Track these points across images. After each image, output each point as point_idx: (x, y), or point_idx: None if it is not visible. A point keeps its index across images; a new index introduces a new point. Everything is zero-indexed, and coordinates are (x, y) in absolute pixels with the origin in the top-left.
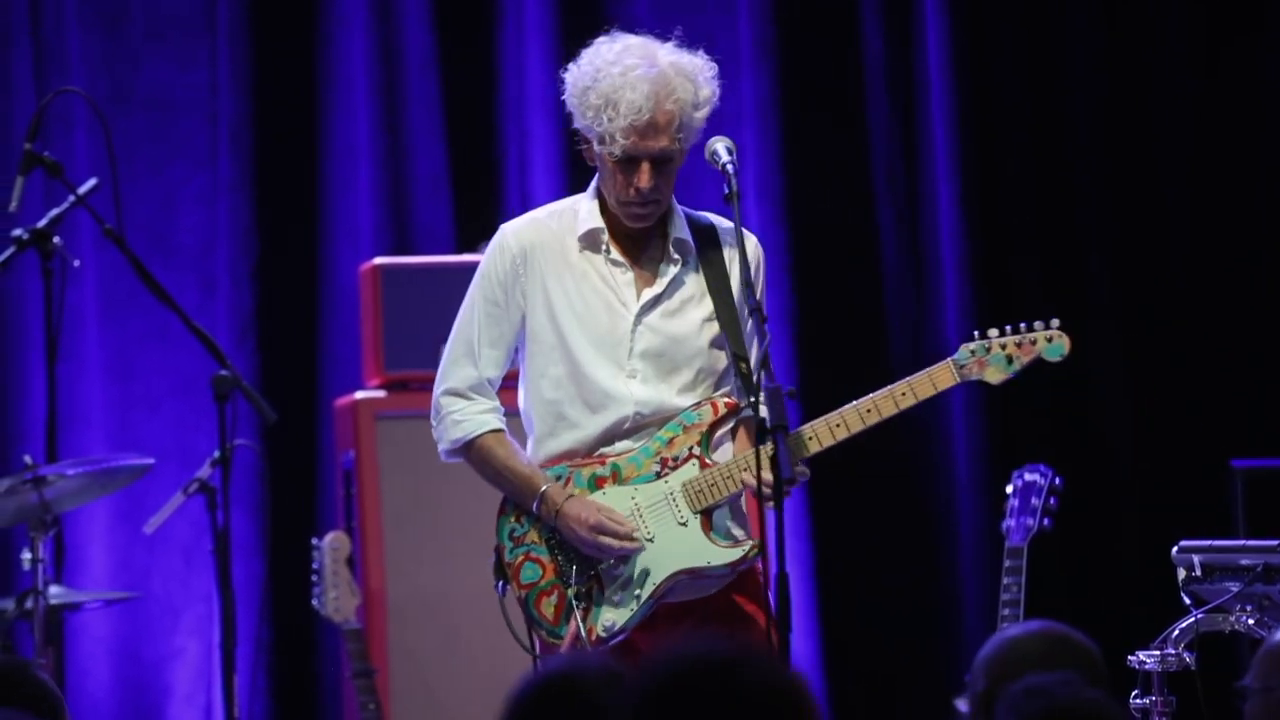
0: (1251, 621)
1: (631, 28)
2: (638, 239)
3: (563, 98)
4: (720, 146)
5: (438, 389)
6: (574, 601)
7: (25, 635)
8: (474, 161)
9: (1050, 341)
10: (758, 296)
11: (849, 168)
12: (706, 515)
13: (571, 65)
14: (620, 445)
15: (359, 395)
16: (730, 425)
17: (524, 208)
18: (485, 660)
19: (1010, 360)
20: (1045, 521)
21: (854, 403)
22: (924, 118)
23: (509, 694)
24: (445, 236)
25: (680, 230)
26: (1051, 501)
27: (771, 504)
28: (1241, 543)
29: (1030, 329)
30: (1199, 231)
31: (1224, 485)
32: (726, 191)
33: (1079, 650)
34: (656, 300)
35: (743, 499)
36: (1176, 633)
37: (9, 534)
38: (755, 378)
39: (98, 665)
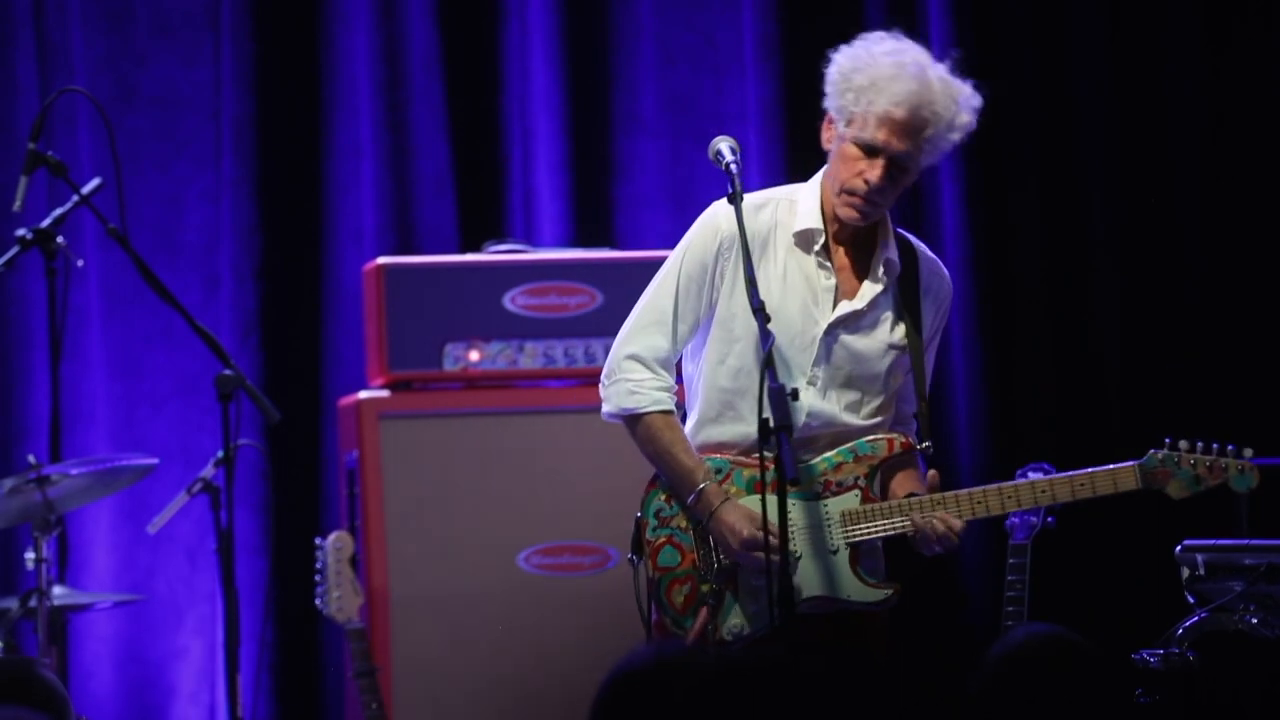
0: (1255, 621)
1: (635, 26)
2: (850, 246)
3: (827, 77)
4: (724, 146)
5: (621, 349)
6: (706, 597)
7: (29, 635)
8: (478, 160)
9: (1241, 472)
10: (937, 337)
11: None
12: (855, 549)
13: (844, 46)
14: None
15: (362, 395)
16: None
17: (528, 207)
18: (488, 660)
19: (1198, 480)
20: (1049, 520)
21: (1029, 481)
22: None
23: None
24: (449, 236)
25: (890, 250)
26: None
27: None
28: (1245, 542)
29: (1223, 453)
30: (1207, 230)
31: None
32: (730, 191)
33: (1084, 654)
34: (853, 316)
35: (882, 544)
36: (1181, 632)
37: (13, 534)
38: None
39: (101, 665)
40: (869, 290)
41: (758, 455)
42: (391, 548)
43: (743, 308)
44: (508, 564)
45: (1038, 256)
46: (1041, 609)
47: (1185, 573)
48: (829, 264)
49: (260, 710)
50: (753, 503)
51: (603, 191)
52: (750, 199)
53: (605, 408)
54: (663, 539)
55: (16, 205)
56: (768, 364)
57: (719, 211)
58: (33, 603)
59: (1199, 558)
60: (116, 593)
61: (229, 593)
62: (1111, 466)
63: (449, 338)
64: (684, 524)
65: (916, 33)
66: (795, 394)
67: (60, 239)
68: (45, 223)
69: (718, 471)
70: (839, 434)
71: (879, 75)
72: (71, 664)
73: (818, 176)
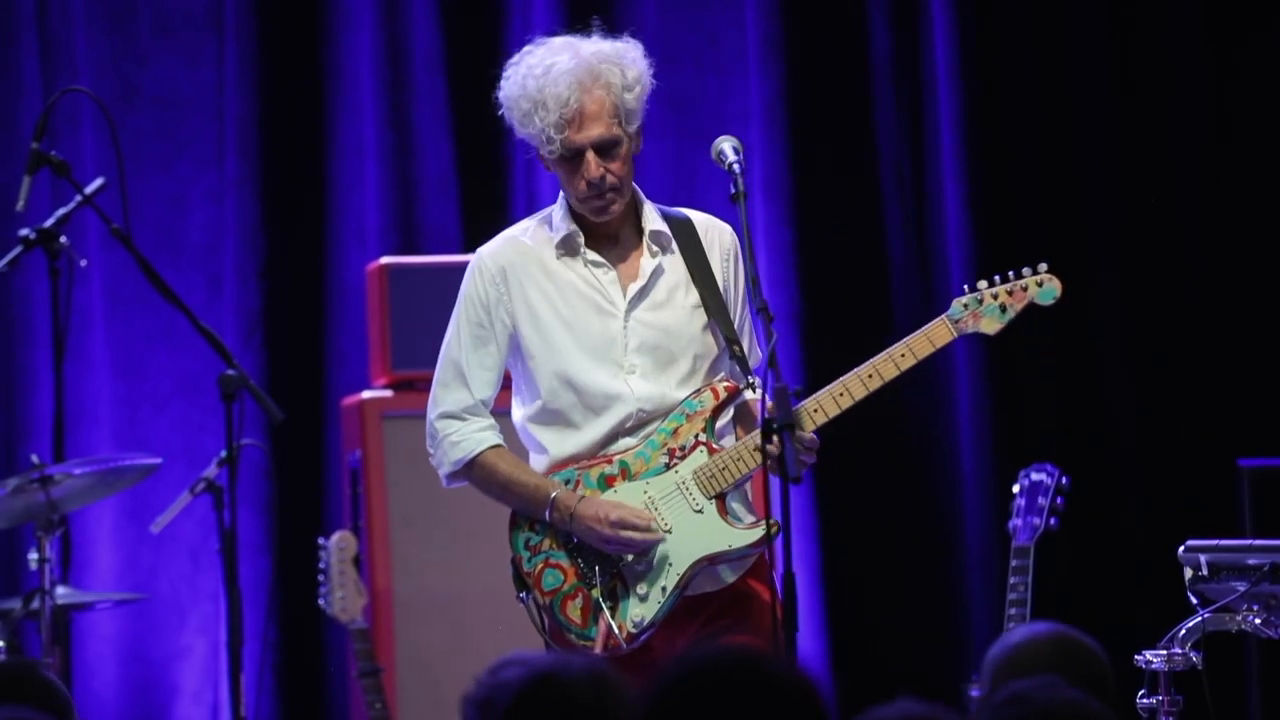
0: (1258, 621)
1: (638, 25)
2: (614, 238)
3: (500, 114)
4: (727, 146)
5: (431, 414)
6: (601, 601)
7: (32, 635)
8: (481, 160)
9: (1041, 286)
10: (740, 285)
11: (856, 166)
12: (721, 500)
13: (502, 81)
14: (624, 442)
15: (365, 395)
16: (731, 411)
17: (530, 207)
18: (492, 659)
19: (1004, 309)
20: (1052, 521)
21: (854, 370)
22: (931, 116)
23: (487, 691)
24: (452, 236)
25: (655, 223)
26: (1058, 501)
27: (788, 479)
28: (1248, 542)
29: (1019, 275)
30: (1209, 230)
31: (1231, 485)
32: (733, 191)
33: (1085, 653)
34: (642, 293)
35: (748, 486)
36: (1183, 632)
37: (16, 533)
38: (763, 375)
39: (105, 665)
40: (647, 265)
41: (601, 454)
42: (395, 548)
43: (535, 330)
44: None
45: (1038, 256)
46: (1044, 610)
47: (1188, 573)
48: (601, 259)
49: (263, 710)
50: (609, 496)
51: None
52: (509, 231)
53: (441, 473)
54: (540, 565)
55: (20, 205)
56: (771, 363)
57: (481, 254)
58: (36, 602)
59: (1202, 558)
60: (119, 592)
61: (232, 592)
62: (923, 328)
63: None
64: (553, 544)
65: (918, 32)
66: (799, 393)
67: (63, 239)
68: (48, 222)
69: (567, 482)
70: (672, 409)
71: (536, 90)
72: (75, 663)
73: (560, 197)
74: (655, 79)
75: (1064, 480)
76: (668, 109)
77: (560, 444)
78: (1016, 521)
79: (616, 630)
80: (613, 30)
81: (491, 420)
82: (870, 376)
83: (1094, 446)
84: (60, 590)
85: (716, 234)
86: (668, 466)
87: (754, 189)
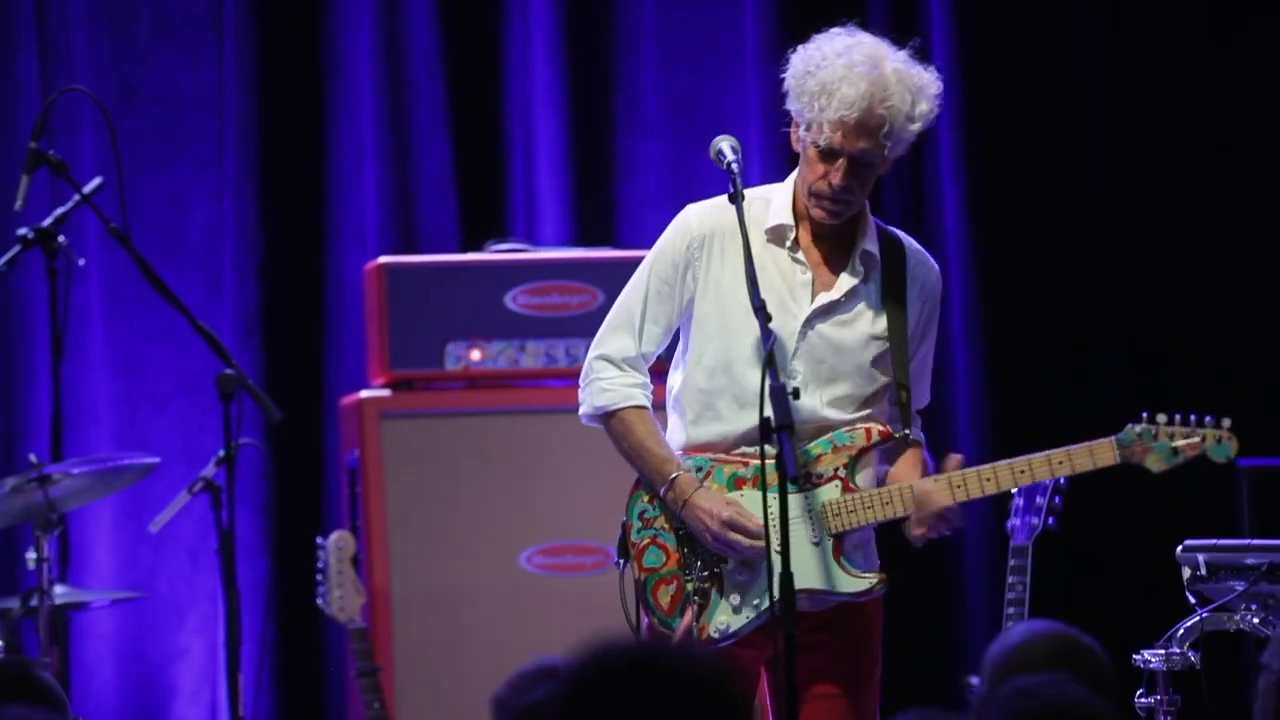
0: (1256, 620)
1: (637, 26)
2: (825, 241)
3: (783, 75)
4: (725, 146)
5: (592, 352)
6: (691, 596)
7: (30, 634)
8: (480, 160)
9: (1219, 442)
10: (931, 329)
11: None
12: (839, 540)
13: (800, 47)
14: (766, 449)
15: (364, 394)
16: (875, 455)
17: (529, 207)
18: (491, 658)
19: (1175, 453)
20: (1050, 520)
21: (1008, 461)
22: None
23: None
24: (451, 235)
25: (869, 243)
26: (1056, 500)
27: (790, 480)
28: (1247, 542)
29: (1201, 424)
30: (1208, 229)
31: (1229, 484)
32: (731, 191)
33: (1085, 652)
34: (830, 307)
35: (873, 533)
36: (1181, 632)
37: (14, 533)
38: (761, 375)
39: (103, 664)
40: (845, 282)
41: (739, 452)
42: (393, 547)
43: (716, 307)
44: (510, 564)
45: (1038, 256)
46: (1042, 610)
47: (1186, 573)
48: (803, 259)
49: (261, 710)
50: (734, 498)
51: (604, 191)
52: (719, 199)
53: (581, 409)
54: (647, 540)
55: (18, 204)
56: (769, 363)
57: (690, 213)
58: (34, 602)
59: (1200, 557)
60: (118, 592)
61: (230, 592)
62: (1089, 443)
63: (450, 337)
64: (667, 524)
65: (917, 33)
66: (796, 393)
67: (62, 238)
68: (47, 222)
69: (698, 470)
70: (823, 429)
71: (829, 79)
72: (73, 663)
73: (792, 175)
74: (655, 79)
75: (1062, 480)
76: (667, 109)
77: (700, 427)
78: (1014, 521)
79: (698, 630)
80: (613, 30)
81: (645, 378)
82: (1022, 473)
83: None
84: (58, 590)
85: (924, 271)
86: (800, 489)
87: (752, 189)
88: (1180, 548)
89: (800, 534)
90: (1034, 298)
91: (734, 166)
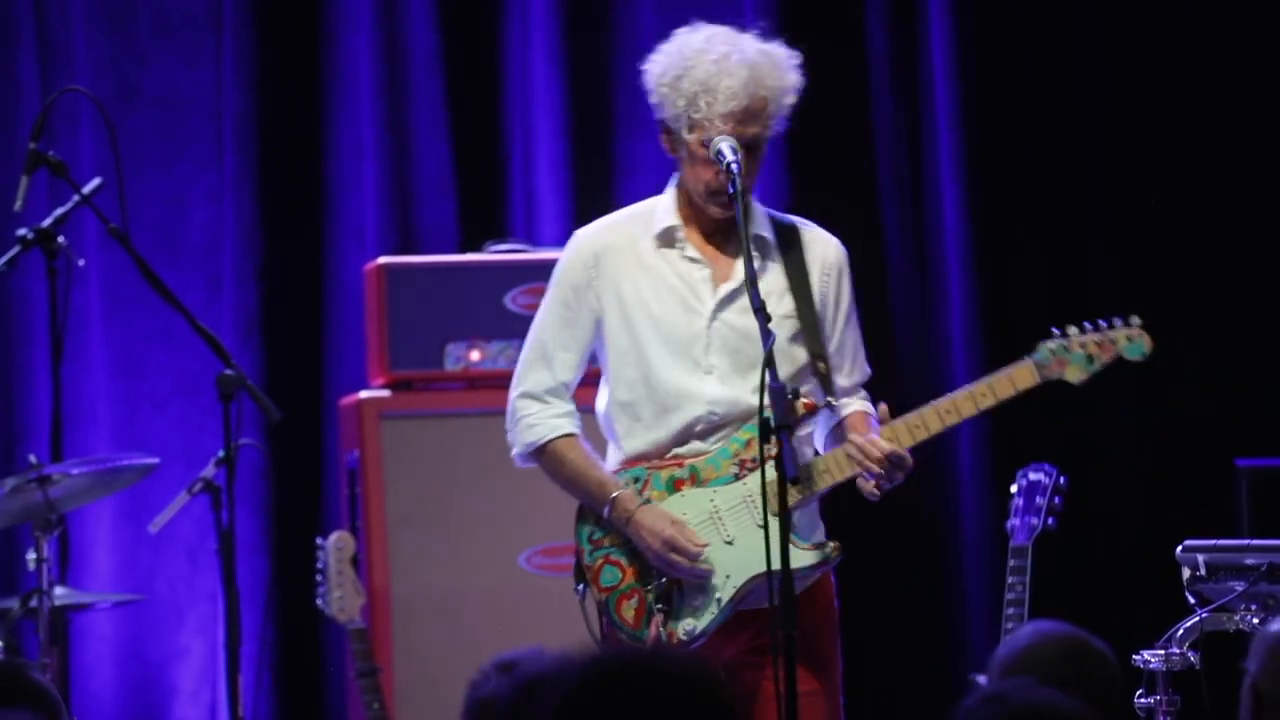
0: (1256, 621)
1: (636, 26)
2: (715, 235)
3: (648, 89)
4: (724, 145)
5: (513, 392)
6: (654, 605)
7: (30, 635)
8: (479, 160)
9: (1130, 340)
10: (842, 302)
11: (854, 166)
12: (787, 518)
13: (654, 57)
14: (696, 446)
15: (364, 395)
16: (809, 428)
17: (529, 207)
18: (490, 659)
19: (1091, 359)
20: (1050, 521)
21: (933, 403)
22: (929, 116)
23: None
24: (450, 236)
25: (760, 227)
26: (1056, 501)
27: (790, 481)
28: (1246, 542)
29: (1110, 326)
30: (1208, 229)
31: (1229, 485)
32: (731, 191)
33: (1093, 654)
34: (732, 295)
35: (817, 503)
36: (1181, 632)
37: (14, 533)
38: (760, 375)
39: (103, 665)
40: (741, 268)
41: (672, 455)
42: (393, 548)
43: (622, 320)
44: (509, 564)
45: (1038, 256)
46: (1042, 610)
47: (1186, 573)
48: (698, 255)
49: (261, 710)
50: (673, 503)
51: (604, 191)
52: (611, 216)
53: (513, 451)
54: (600, 560)
55: (18, 205)
56: (768, 363)
57: (579, 237)
58: (34, 603)
59: (1199, 558)
60: (117, 592)
61: (230, 592)
62: (1007, 368)
63: (450, 337)
64: (617, 541)
65: (915, 31)
66: (796, 393)
67: (61, 239)
68: (46, 222)
69: (636, 480)
70: (750, 415)
71: (705, 76)
72: (72, 664)
73: (670, 186)
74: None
75: (1062, 480)
76: None
77: (631, 438)
78: (1014, 521)
79: (666, 636)
80: (612, 30)
81: (570, 407)
82: (948, 412)
83: (1092, 446)
84: (58, 590)
85: (821, 248)
86: (737, 477)
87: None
88: (1180, 548)
89: (745, 521)
90: (1034, 298)
91: (733, 166)
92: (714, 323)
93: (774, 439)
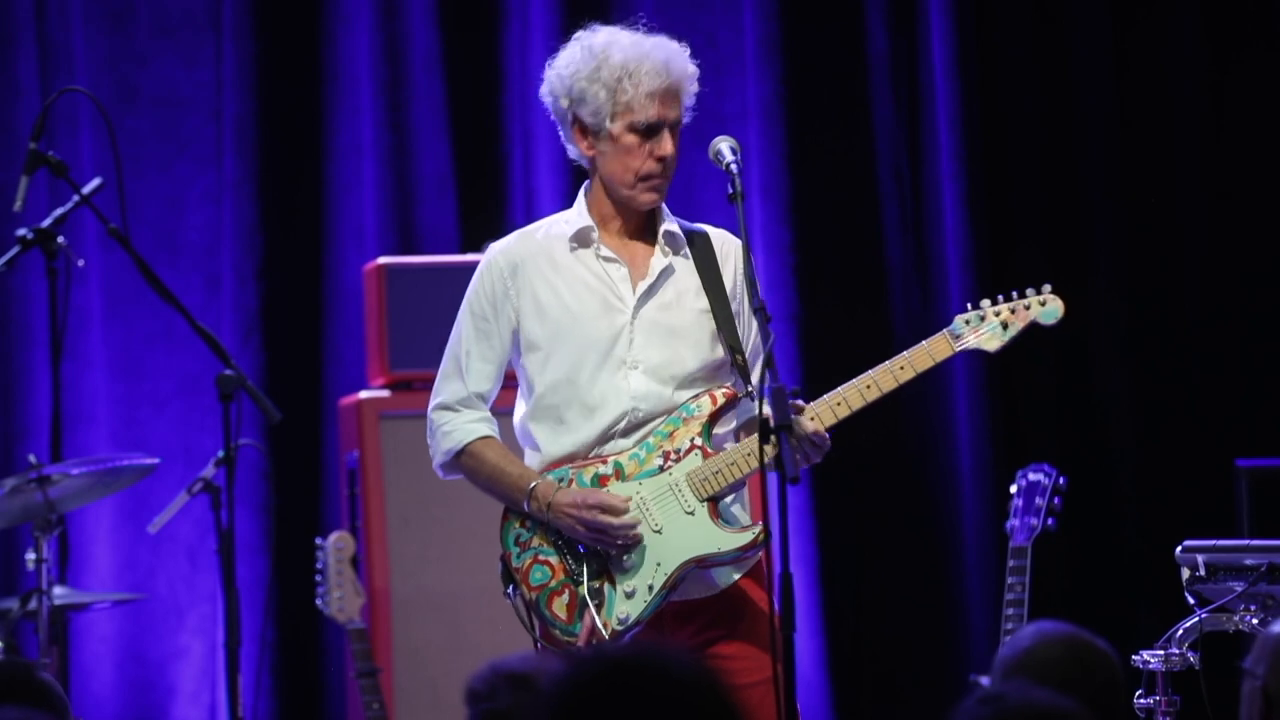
0: (1256, 621)
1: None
2: (628, 235)
3: (550, 99)
4: (724, 146)
5: (430, 407)
6: (587, 597)
7: (30, 635)
8: (479, 161)
9: (1044, 305)
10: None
11: (854, 166)
12: (713, 503)
13: (554, 63)
14: (619, 444)
15: (363, 395)
16: (733, 419)
17: (529, 207)
18: (490, 659)
19: (1006, 327)
20: (1049, 521)
21: (853, 380)
22: (929, 116)
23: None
24: (450, 236)
25: (669, 224)
26: (1056, 501)
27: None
28: (1246, 542)
29: (1023, 295)
30: (1208, 229)
31: (1229, 485)
32: (731, 191)
33: (1097, 654)
34: (650, 290)
35: (745, 490)
36: (1181, 632)
37: (13, 534)
38: (760, 375)
39: (102, 665)
40: (658, 262)
41: (595, 454)
42: (392, 548)
43: (541, 324)
44: None
45: (1038, 257)
46: (1041, 611)
47: (1185, 573)
48: (614, 255)
49: (261, 710)
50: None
51: None
52: (524, 229)
53: (435, 463)
54: (528, 561)
55: (17, 205)
56: (768, 364)
57: (493, 250)
58: (33, 603)
59: (1199, 558)
60: (117, 592)
61: (230, 593)
62: (924, 342)
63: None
64: (543, 540)
65: (915, 31)
66: (796, 393)
67: (61, 239)
68: (46, 222)
69: (560, 480)
70: (669, 410)
71: (623, 61)
72: (72, 664)
73: (580, 195)
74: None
75: (1061, 481)
76: None
77: (554, 442)
78: (1014, 522)
79: (601, 626)
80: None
81: (486, 413)
82: (868, 388)
83: (1092, 447)
84: (58, 590)
85: (732, 247)
86: (662, 469)
87: (752, 189)
88: (1180, 548)
89: (673, 508)
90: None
91: (733, 167)
92: (636, 319)
93: (774, 439)
